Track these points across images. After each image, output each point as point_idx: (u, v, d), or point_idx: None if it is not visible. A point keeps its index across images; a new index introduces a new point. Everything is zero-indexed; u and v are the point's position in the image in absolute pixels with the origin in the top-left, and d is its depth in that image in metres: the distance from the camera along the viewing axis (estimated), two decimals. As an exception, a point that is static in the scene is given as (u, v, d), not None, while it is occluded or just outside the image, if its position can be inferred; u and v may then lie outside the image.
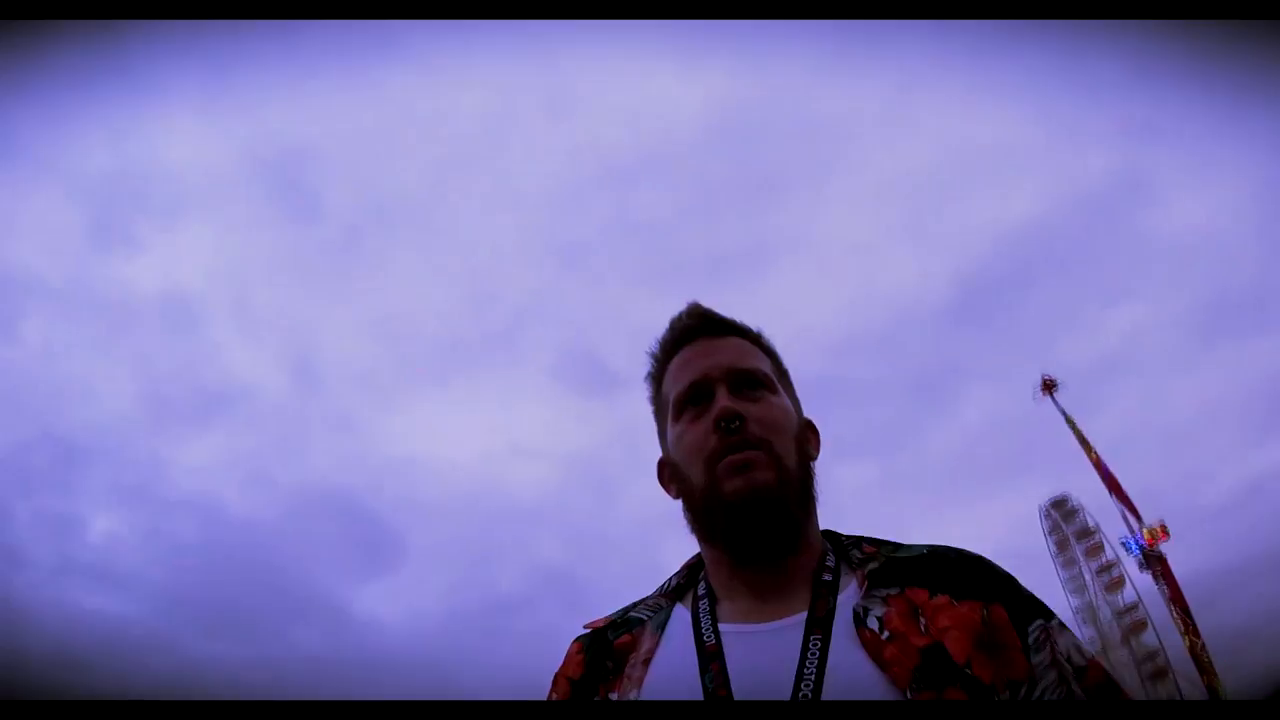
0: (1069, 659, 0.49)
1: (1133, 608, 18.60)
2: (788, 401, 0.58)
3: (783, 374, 0.60)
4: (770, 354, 0.60)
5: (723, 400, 0.54)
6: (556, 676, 0.57)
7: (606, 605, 0.61)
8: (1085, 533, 20.03)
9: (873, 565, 0.53)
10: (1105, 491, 19.50)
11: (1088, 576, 19.60)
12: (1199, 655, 16.82)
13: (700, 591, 0.56)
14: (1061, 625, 0.51)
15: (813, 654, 0.48)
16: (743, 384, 0.55)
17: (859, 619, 0.50)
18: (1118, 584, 19.27)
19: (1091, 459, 19.74)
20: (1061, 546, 20.41)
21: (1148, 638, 18.50)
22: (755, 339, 0.60)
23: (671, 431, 0.57)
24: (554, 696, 0.56)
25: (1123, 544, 19.00)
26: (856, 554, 0.55)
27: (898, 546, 0.55)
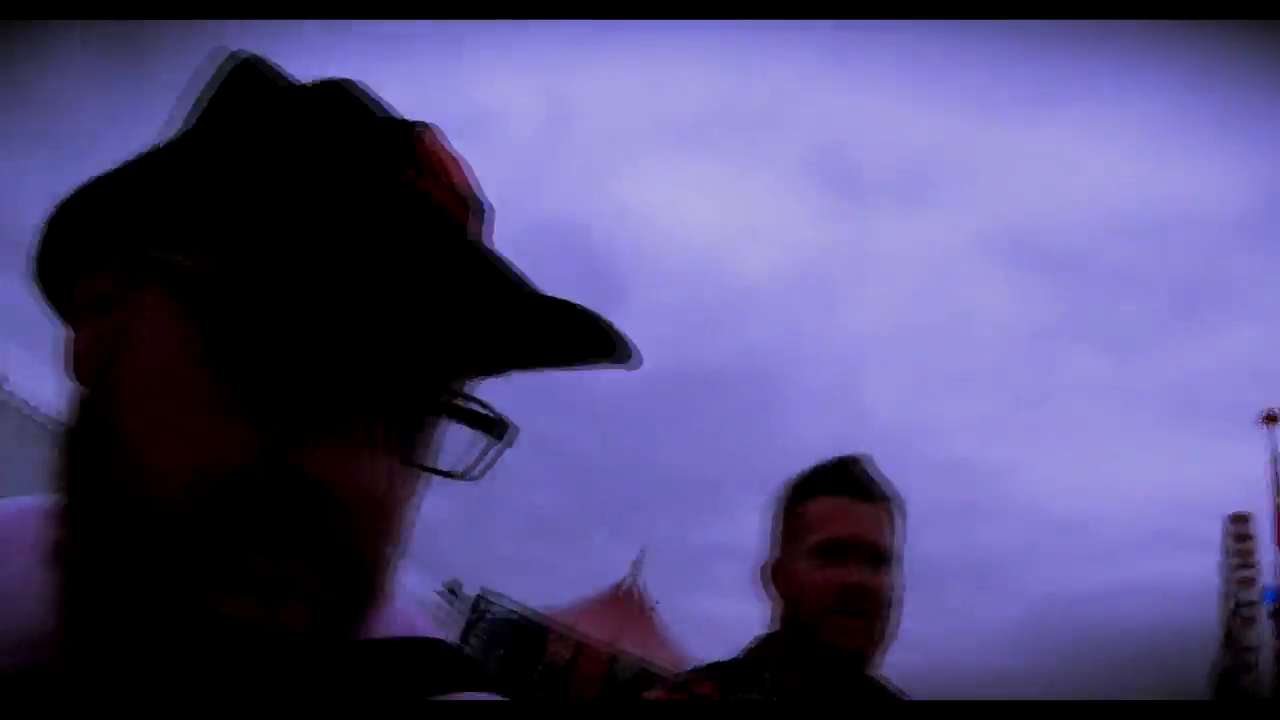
0: None
1: (1250, 650, 18.29)
2: (899, 577, 0.66)
3: (900, 539, 0.68)
4: (899, 521, 0.68)
5: (854, 571, 0.63)
6: None
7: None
8: (1248, 569, 19.32)
9: None
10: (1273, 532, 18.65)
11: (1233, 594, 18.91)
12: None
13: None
14: None
15: None
16: (873, 558, 0.65)
17: None
18: (1249, 624, 18.65)
19: (1277, 504, 18.79)
20: (1228, 556, 19.83)
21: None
22: (895, 509, 0.68)
23: (802, 565, 0.66)
24: None
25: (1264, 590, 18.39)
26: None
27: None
